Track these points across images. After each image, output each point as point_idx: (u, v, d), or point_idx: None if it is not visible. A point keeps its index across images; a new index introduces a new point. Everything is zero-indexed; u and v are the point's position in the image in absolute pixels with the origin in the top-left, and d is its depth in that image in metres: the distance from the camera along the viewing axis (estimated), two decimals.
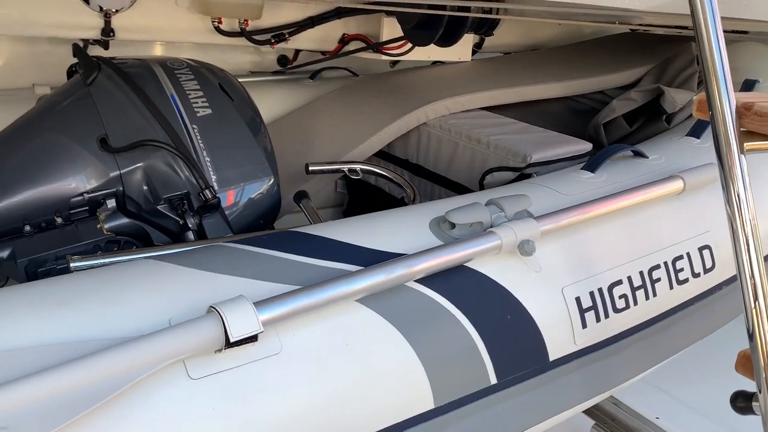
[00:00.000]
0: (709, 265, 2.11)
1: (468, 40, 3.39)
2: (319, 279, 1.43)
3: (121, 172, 1.97)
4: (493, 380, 1.60)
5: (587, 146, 2.55)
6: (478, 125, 2.71)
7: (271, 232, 1.74)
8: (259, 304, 1.29)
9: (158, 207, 1.99)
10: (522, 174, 2.41)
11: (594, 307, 1.80)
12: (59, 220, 1.93)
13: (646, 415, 2.93)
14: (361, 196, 3.04)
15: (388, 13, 3.14)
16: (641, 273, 1.93)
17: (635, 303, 1.90)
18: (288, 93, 3.26)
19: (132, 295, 1.35)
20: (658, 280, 1.96)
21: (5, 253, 1.87)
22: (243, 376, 1.27)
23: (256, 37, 2.99)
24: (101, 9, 2.55)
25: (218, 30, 2.89)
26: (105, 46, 2.75)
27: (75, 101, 2.06)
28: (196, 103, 2.07)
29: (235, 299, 1.27)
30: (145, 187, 1.99)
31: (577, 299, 1.77)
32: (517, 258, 1.70)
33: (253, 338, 1.25)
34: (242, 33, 2.94)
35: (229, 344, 1.23)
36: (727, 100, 1.30)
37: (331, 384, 1.38)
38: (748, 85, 2.96)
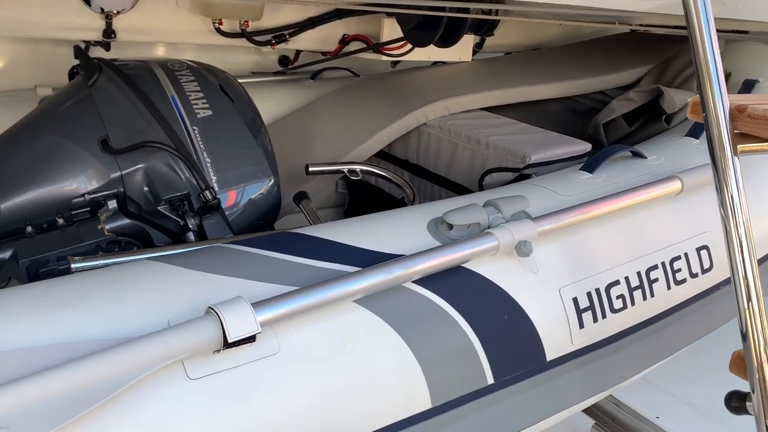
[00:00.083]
0: (707, 265, 2.11)
1: (468, 40, 3.40)
2: (317, 280, 1.44)
3: (122, 173, 1.98)
4: (490, 380, 1.61)
5: (586, 147, 2.56)
6: (478, 126, 2.72)
7: (270, 233, 1.76)
8: (257, 304, 1.30)
9: (159, 208, 2.00)
10: (521, 174, 2.42)
11: (591, 307, 1.81)
12: (61, 221, 1.95)
13: (646, 415, 2.93)
14: (362, 197, 3.05)
15: (389, 14, 3.15)
16: (639, 273, 1.93)
17: (633, 303, 1.91)
18: (289, 93, 3.27)
19: (132, 296, 1.36)
20: (656, 280, 1.97)
21: (7, 254, 1.88)
22: (241, 376, 1.29)
23: (257, 38, 3.00)
24: (102, 10, 2.56)
25: (219, 31, 2.90)
26: (106, 47, 2.77)
27: (76, 103, 2.08)
28: (197, 104, 2.09)
29: (233, 300, 1.28)
30: (145, 188, 2.01)
31: (575, 300, 1.78)
32: (514, 259, 1.71)
33: (251, 339, 1.26)
34: (243, 34, 2.95)
35: (227, 345, 1.24)
36: (721, 103, 1.31)
37: (328, 384, 1.39)
38: (747, 85, 2.96)
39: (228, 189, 2.05)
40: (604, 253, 1.90)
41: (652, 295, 1.96)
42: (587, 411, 2.86)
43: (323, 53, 3.35)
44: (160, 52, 3.10)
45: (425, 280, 1.58)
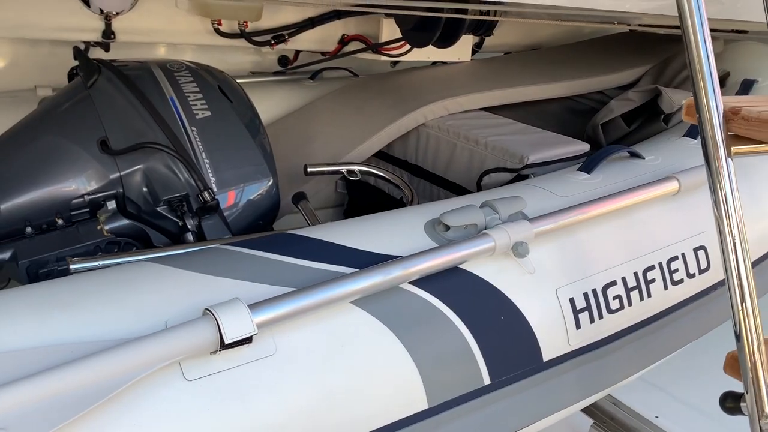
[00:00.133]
0: (704, 265, 2.12)
1: (467, 40, 3.40)
2: (314, 281, 1.44)
3: (121, 174, 1.99)
4: (487, 381, 1.61)
5: (584, 147, 2.56)
6: (477, 126, 2.72)
7: (267, 234, 1.76)
8: (254, 306, 1.31)
9: (158, 208, 2.01)
10: (519, 175, 2.43)
11: (588, 308, 1.81)
12: (60, 221, 1.96)
13: (645, 414, 2.94)
14: (361, 197, 3.06)
15: (387, 14, 3.16)
16: (636, 274, 1.94)
17: (629, 304, 1.91)
18: (288, 93, 3.28)
19: (129, 298, 1.37)
20: (653, 280, 1.97)
21: (7, 255, 1.89)
22: (238, 377, 1.29)
23: (256, 39, 3.01)
24: (102, 11, 2.57)
25: (218, 32, 2.91)
26: (106, 48, 2.78)
27: (75, 104, 2.09)
28: (195, 105, 2.10)
29: (230, 302, 1.29)
30: (144, 189, 2.01)
31: (571, 300, 1.78)
32: (511, 260, 1.72)
33: (247, 340, 1.27)
34: (242, 34, 2.96)
35: (223, 346, 1.25)
36: (715, 105, 1.32)
37: (325, 385, 1.40)
38: (746, 85, 2.96)
39: (227, 190, 2.05)
40: (601, 254, 1.91)
41: (649, 295, 1.96)
42: (586, 410, 2.87)
43: (322, 53, 3.36)
44: (160, 53, 3.11)
45: (422, 281, 1.58)
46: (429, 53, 3.31)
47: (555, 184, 2.07)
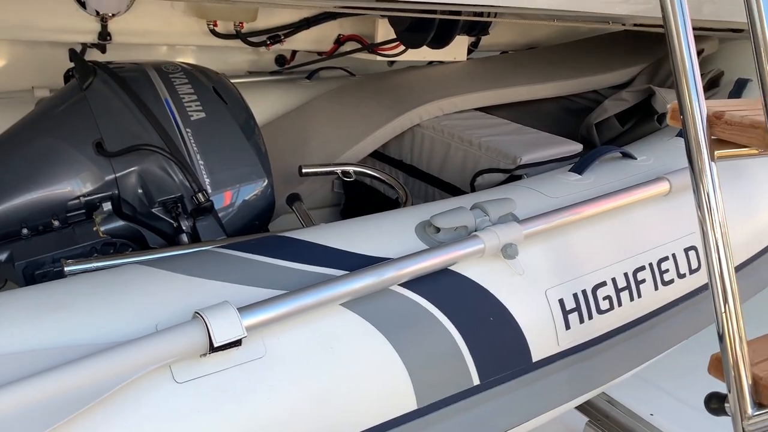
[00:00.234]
0: (695, 265, 2.13)
1: (462, 40, 3.41)
2: (304, 284, 1.46)
3: (117, 175, 2.01)
4: (476, 381, 1.63)
5: (577, 147, 2.57)
6: (471, 126, 2.73)
7: (259, 237, 1.78)
8: (244, 309, 1.32)
9: (153, 210, 2.03)
10: (512, 175, 2.44)
11: (577, 308, 1.83)
12: (56, 223, 1.98)
13: (640, 412, 2.95)
14: (357, 197, 3.07)
15: (382, 15, 3.17)
16: (626, 274, 1.95)
17: (619, 304, 1.92)
18: (285, 93, 3.29)
19: (121, 301, 1.39)
20: (643, 281, 1.98)
21: (3, 256, 1.91)
22: (227, 379, 1.31)
23: (252, 39, 3.02)
24: (98, 13, 2.58)
25: (214, 33, 2.92)
26: (102, 49, 2.79)
27: (71, 106, 2.10)
28: (190, 106, 2.11)
29: (220, 305, 1.30)
30: (140, 191, 2.03)
31: (561, 301, 1.80)
32: (500, 261, 1.74)
33: (236, 343, 1.29)
34: (238, 35, 2.97)
35: (213, 349, 1.26)
36: (698, 109, 1.33)
37: (314, 386, 1.41)
38: (740, 84, 2.97)
39: (221, 191, 2.07)
40: (592, 255, 1.92)
41: (639, 296, 1.97)
42: (581, 408, 2.89)
43: (319, 53, 3.37)
44: (157, 54, 3.12)
45: (412, 283, 1.60)
46: (424, 53, 3.31)
47: (546, 185, 2.08)
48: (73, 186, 1.99)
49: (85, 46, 2.81)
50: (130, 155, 2.00)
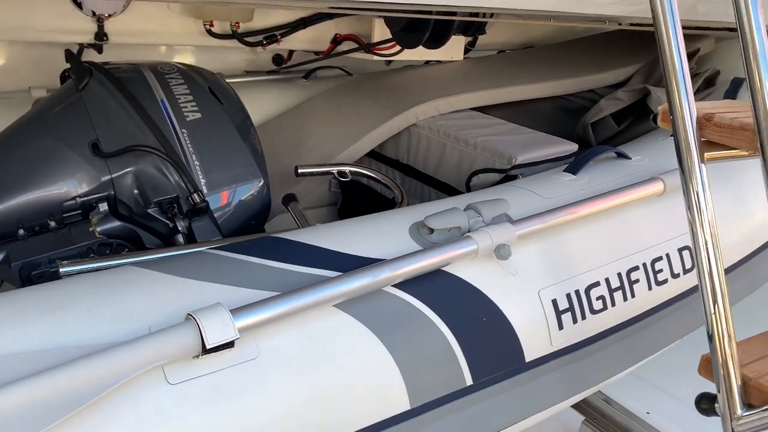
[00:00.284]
0: (689, 265, 2.13)
1: (458, 40, 3.41)
2: (298, 285, 1.47)
3: (113, 176, 2.02)
4: (469, 381, 1.64)
5: (573, 147, 2.58)
6: (467, 126, 2.74)
7: (253, 238, 1.79)
8: (236, 311, 1.33)
9: (149, 210, 2.03)
10: (507, 175, 2.45)
11: (571, 308, 1.83)
12: (53, 223, 1.98)
13: (636, 411, 2.95)
14: (354, 196, 3.08)
15: (378, 15, 3.17)
16: (619, 274, 1.95)
17: (613, 304, 1.93)
18: (282, 93, 3.30)
19: (115, 303, 1.40)
20: (637, 281, 1.99)
21: None
22: (220, 381, 1.32)
23: (248, 39, 3.03)
24: (94, 14, 2.59)
25: (210, 33, 2.93)
26: (99, 50, 2.80)
27: (67, 107, 2.11)
28: (186, 107, 2.12)
29: (212, 306, 1.31)
30: (135, 191, 2.04)
31: (554, 301, 1.80)
32: (494, 262, 1.74)
33: (229, 344, 1.30)
34: (234, 35, 2.98)
35: (205, 350, 1.27)
36: (688, 111, 1.34)
37: (307, 387, 1.42)
38: (736, 84, 2.96)
39: (217, 191, 2.08)
40: (585, 255, 1.93)
41: (633, 295, 1.98)
42: (577, 407, 2.89)
43: (315, 53, 3.38)
44: (154, 55, 3.13)
45: (405, 284, 1.61)
46: (421, 53, 3.32)
47: (540, 186, 2.09)
48: (70, 186, 1.99)
49: (81, 47, 2.82)
50: (126, 156, 2.00)
